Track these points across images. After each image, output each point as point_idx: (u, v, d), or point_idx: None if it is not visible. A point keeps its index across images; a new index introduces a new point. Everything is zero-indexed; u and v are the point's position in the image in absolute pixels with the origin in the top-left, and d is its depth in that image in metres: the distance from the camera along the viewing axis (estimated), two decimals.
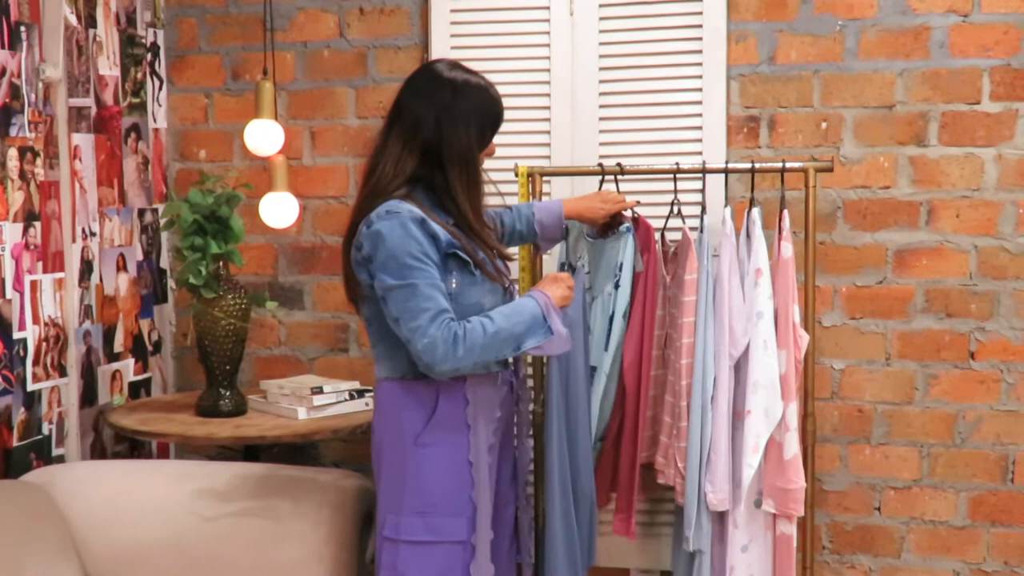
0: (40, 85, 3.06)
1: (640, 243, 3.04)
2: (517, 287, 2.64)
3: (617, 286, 3.04)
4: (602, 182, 3.12)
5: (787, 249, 2.96)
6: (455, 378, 2.41)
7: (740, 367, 2.95)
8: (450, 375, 2.38)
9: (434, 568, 2.42)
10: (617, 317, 3.05)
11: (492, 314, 2.39)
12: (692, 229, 3.06)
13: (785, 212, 2.99)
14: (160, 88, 3.71)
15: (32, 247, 3.03)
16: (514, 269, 3.18)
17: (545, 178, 3.26)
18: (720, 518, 2.99)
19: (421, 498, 2.42)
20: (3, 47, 2.90)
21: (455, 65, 2.52)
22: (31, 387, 3.03)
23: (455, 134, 2.43)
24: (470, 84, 2.47)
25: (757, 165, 3.05)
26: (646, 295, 3.03)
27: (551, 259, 3.39)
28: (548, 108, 3.42)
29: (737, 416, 2.96)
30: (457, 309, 2.38)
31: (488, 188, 2.60)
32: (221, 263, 3.18)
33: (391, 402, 2.47)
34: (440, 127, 2.42)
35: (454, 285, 2.40)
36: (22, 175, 2.98)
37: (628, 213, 3.08)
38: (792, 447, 2.93)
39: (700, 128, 3.35)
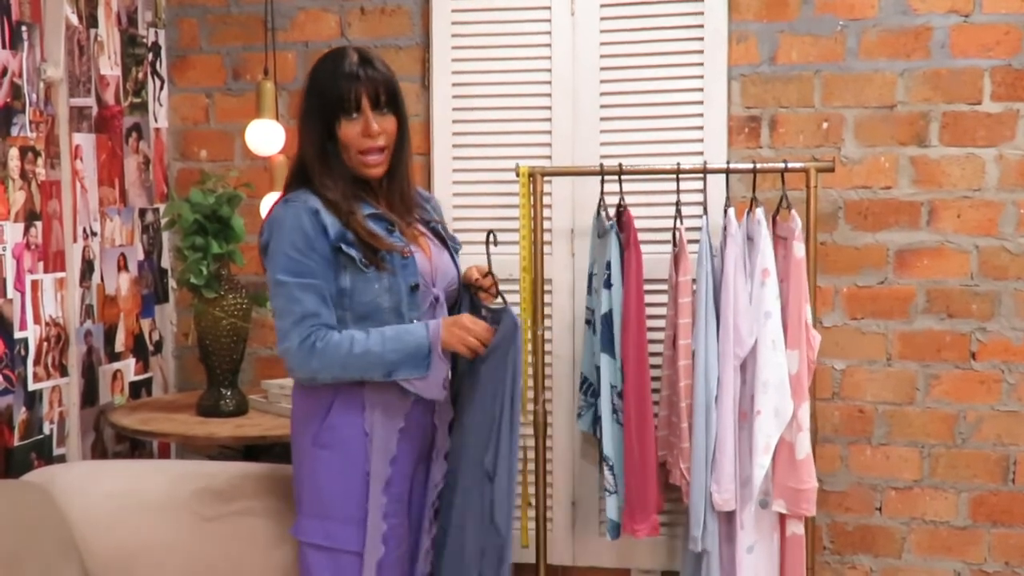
0: (41, 85, 3.06)
1: (624, 239, 3.05)
2: (441, 294, 2.43)
3: (608, 285, 3.05)
4: (603, 182, 3.12)
5: (799, 249, 2.96)
6: (353, 384, 2.32)
7: (748, 367, 2.95)
8: (310, 383, 2.32)
9: (334, 575, 2.36)
10: (615, 316, 3.05)
11: (375, 331, 2.28)
12: (690, 230, 3.07)
13: (794, 213, 2.99)
14: (161, 88, 3.71)
15: (33, 247, 3.03)
16: (515, 269, 3.19)
17: (546, 178, 3.26)
18: (728, 518, 2.99)
19: (317, 500, 2.37)
20: (4, 47, 2.90)
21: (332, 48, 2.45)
22: (32, 387, 3.03)
23: (300, 118, 2.38)
24: (317, 61, 2.39)
25: (758, 165, 3.06)
26: (630, 292, 3.04)
27: (552, 259, 3.39)
28: (549, 108, 3.42)
29: (744, 416, 2.96)
30: (353, 308, 2.31)
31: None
32: (222, 263, 3.17)
33: (296, 399, 2.44)
34: (298, 113, 2.40)
35: (348, 282, 2.31)
36: (23, 175, 2.98)
37: (612, 211, 3.10)
38: (804, 447, 2.93)
39: (701, 128, 3.35)
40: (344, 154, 2.35)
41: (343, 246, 2.28)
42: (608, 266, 3.04)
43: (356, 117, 2.31)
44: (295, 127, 2.45)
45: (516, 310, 2.54)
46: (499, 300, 2.45)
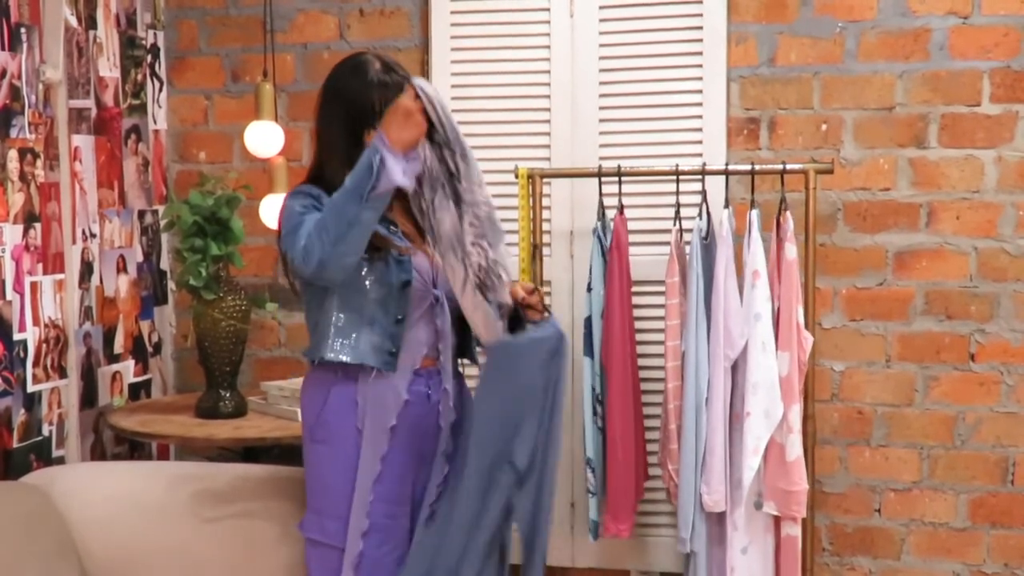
0: (40, 87, 3.06)
1: (612, 242, 3.05)
2: (443, 295, 2.43)
3: (589, 288, 3.07)
4: (601, 183, 3.12)
5: (791, 251, 2.96)
6: (347, 378, 2.34)
7: (739, 369, 2.95)
8: (325, 271, 2.23)
9: (325, 571, 2.38)
10: (595, 319, 3.08)
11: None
12: (686, 230, 3.07)
13: (788, 214, 2.99)
14: (160, 89, 3.71)
15: (32, 248, 3.03)
16: (513, 271, 3.19)
17: (545, 180, 3.26)
18: (720, 520, 2.99)
19: (315, 495, 2.41)
20: (3, 48, 2.90)
21: (350, 55, 2.46)
22: (31, 388, 3.03)
23: (321, 125, 2.41)
24: (335, 70, 2.42)
25: (757, 167, 3.06)
26: (613, 295, 3.05)
27: (551, 261, 3.39)
28: (548, 110, 3.42)
29: (736, 417, 2.96)
30: (344, 294, 2.34)
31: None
32: (221, 265, 3.17)
33: (301, 393, 2.48)
34: (317, 118, 2.43)
35: None
36: (22, 176, 2.98)
37: (610, 213, 3.09)
38: (795, 449, 2.93)
39: (700, 130, 3.35)
40: None
41: None
42: (590, 270, 3.08)
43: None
44: (297, 130, 2.46)
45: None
46: (546, 315, 2.43)
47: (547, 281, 3.36)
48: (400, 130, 2.18)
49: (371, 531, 2.36)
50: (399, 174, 2.18)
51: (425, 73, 3.49)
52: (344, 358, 2.35)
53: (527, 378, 2.34)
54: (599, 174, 3.12)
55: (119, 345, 3.48)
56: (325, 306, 2.37)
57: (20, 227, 2.98)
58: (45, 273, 3.08)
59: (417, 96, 2.19)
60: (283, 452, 3.30)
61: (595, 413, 3.11)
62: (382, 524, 2.37)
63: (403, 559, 2.41)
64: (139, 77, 3.59)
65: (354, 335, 2.35)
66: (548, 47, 3.42)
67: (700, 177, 3.08)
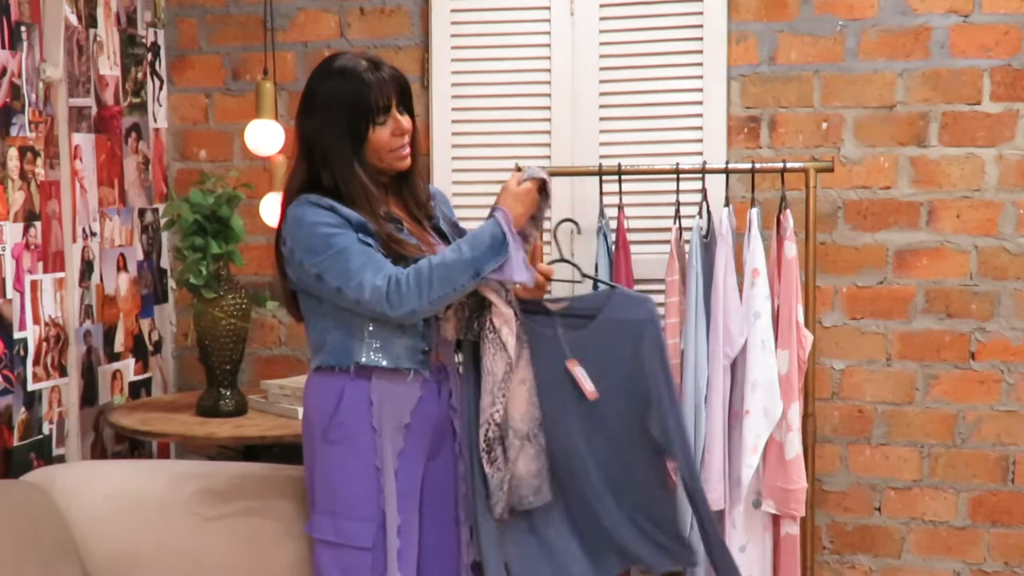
0: (40, 85, 3.06)
1: (616, 240, 3.06)
2: None
3: (596, 287, 3.07)
4: (601, 182, 3.12)
5: (790, 249, 2.96)
6: (360, 377, 2.34)
7: (739, 367, 2.95)
8: (412, 319, 2.29)
9: (343, 572, 2.37)
10: None
11: (453, 244, 2.32)
12: (687, 229, 3.07)
13: (788, 212, 2.99)
14: (160, 88, 3.71)
15: (32, 247, 3.03)
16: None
17: None
18: (719, 518, 2.99)
19: (328, 497, 2.39)
20: (4, 47, 2.90)
21: (327, 59, 2.42)
22: (31, 387, 3.03)
23: (316, 133, 2.35)
24: (319, 76, 2.38)
25: (757, 165, 3.06)
26: None
27: (551, 259, 3.39)
28: (548, 108, 3.42)
29: (735, 416, 2.96)
30: None
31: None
32: (221, 263, 3.17)
33: (308, 395, 2.44)
34: (309, 127, 2.37)
35: None
36: (23, 175, 2.98)
37: (610, 212, 3.10)
38: (794, 447, 2.93)
39: (700, 128, 3.35)
40: (373, 157, 2.36)
41: (361, 236, 2.30)
42: (596, 269, 3.07)
43: (383, 121, 2.34)
44: (294, 129, 2.43)
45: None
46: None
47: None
48: (520, 205, 2.34)
49: (401, 528, 2.37)
50: (521, 269, 2.31)
51: (425, 72, 3.50)
52: (383, 362, 2.34)
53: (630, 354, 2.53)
54: (599, 172, 3.12)
55: (119, 343, 3.48)
56: (346, 313, 2.34)
57: (20, 225, 2.98)
58: (45, 271, 3.08)
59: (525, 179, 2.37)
60: (284, 451, 3.30)
61: None
62: (404, 519, 2.38)
63: (416, 552, 2.42)
64: (139, 75, 3.59)
65: (387, 339, 2.34)
66: (548, 46, 3.42)
67: (700, 176, 3.08)
